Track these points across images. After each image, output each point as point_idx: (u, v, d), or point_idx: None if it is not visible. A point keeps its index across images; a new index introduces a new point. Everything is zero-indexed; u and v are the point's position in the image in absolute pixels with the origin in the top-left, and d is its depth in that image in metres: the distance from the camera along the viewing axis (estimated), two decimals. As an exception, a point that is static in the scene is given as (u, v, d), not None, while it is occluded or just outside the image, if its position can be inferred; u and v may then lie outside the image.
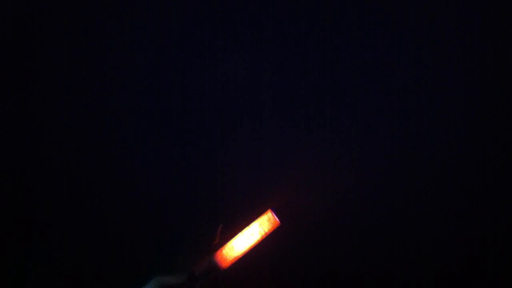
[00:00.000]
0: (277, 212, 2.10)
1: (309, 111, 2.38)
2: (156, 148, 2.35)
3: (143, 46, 2.34)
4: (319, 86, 2.39)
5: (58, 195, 2.15)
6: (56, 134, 2.26)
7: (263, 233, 2.08)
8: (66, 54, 2.29)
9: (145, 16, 2.34)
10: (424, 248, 2.35)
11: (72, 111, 2.30)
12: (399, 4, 2.38)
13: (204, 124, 2.36)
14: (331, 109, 2.37)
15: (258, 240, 2.08)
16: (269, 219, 2.08)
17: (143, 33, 2.34)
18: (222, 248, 2.07)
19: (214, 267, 2.03)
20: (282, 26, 2.41)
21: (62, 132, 2.29)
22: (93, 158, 2.30)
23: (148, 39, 2.35)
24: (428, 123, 2.39)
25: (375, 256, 2.34)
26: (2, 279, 1.90)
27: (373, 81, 2.39)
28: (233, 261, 2.06)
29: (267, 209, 2.10)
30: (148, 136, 2.35)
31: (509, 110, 2.37)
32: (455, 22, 2.38)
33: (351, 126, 2.37)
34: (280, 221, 2.10)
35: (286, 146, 2.37)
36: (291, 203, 2.26)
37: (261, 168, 2.35)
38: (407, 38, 2.39)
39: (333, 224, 2.33)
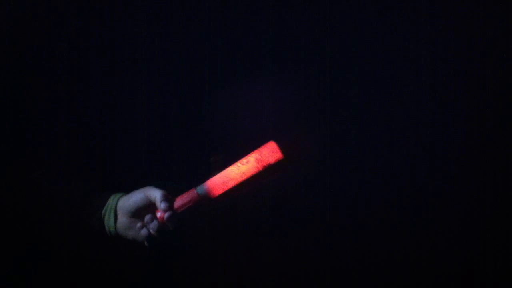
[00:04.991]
0: (280, 146, 1.89)
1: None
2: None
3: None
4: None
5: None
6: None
7: (264, 164, 1.87)
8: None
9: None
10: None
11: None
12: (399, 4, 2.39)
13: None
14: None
15: (257, 171, 1.87)
16: (271, 151, 1.88)
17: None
18: (215, 176, 1.87)
19: (205, 196, 1.83)
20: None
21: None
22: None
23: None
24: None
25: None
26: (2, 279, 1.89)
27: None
28: (227, 190, 1.87)
29: (269, 141, 1.90)
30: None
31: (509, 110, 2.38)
32: (455, 22, 2.39)
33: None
34: (283, 155, 1.89)
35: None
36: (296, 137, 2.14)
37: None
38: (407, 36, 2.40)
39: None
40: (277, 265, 2.37)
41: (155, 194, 1.75)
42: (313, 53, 2.37)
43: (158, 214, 1.77)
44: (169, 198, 1.76)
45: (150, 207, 1.77)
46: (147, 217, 1.75)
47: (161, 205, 1.74)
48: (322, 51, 2.37)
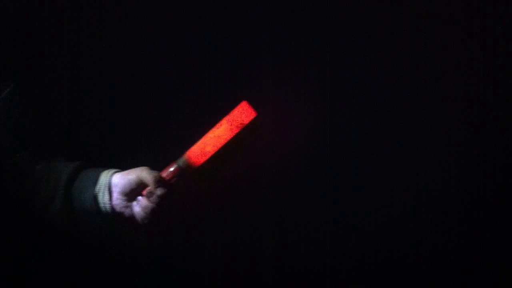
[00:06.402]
0: (253, 104, 1.85)
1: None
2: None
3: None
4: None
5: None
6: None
7: (237, 124, 1.83)
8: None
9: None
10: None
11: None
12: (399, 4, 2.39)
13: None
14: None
15: (233, 133, 1.83)
16: (243, 111, 1.84)
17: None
18: (193, 146, 1.82)
19: (187, 167, 1.79)
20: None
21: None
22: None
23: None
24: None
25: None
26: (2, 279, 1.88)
27: None
28: (208, 157, 1.82)
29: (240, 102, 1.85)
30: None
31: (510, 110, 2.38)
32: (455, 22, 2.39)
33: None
34: (256, 112, 1.84)
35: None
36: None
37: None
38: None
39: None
40: (277, 265, 2.36)
41: (148, 178, 1.74)
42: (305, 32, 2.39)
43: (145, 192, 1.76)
44: (162, 181, 1.75)
45: (142, 186, 1.76)
46: (139, 198, 1.75)
47: (157, 192, 1.73)
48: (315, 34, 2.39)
